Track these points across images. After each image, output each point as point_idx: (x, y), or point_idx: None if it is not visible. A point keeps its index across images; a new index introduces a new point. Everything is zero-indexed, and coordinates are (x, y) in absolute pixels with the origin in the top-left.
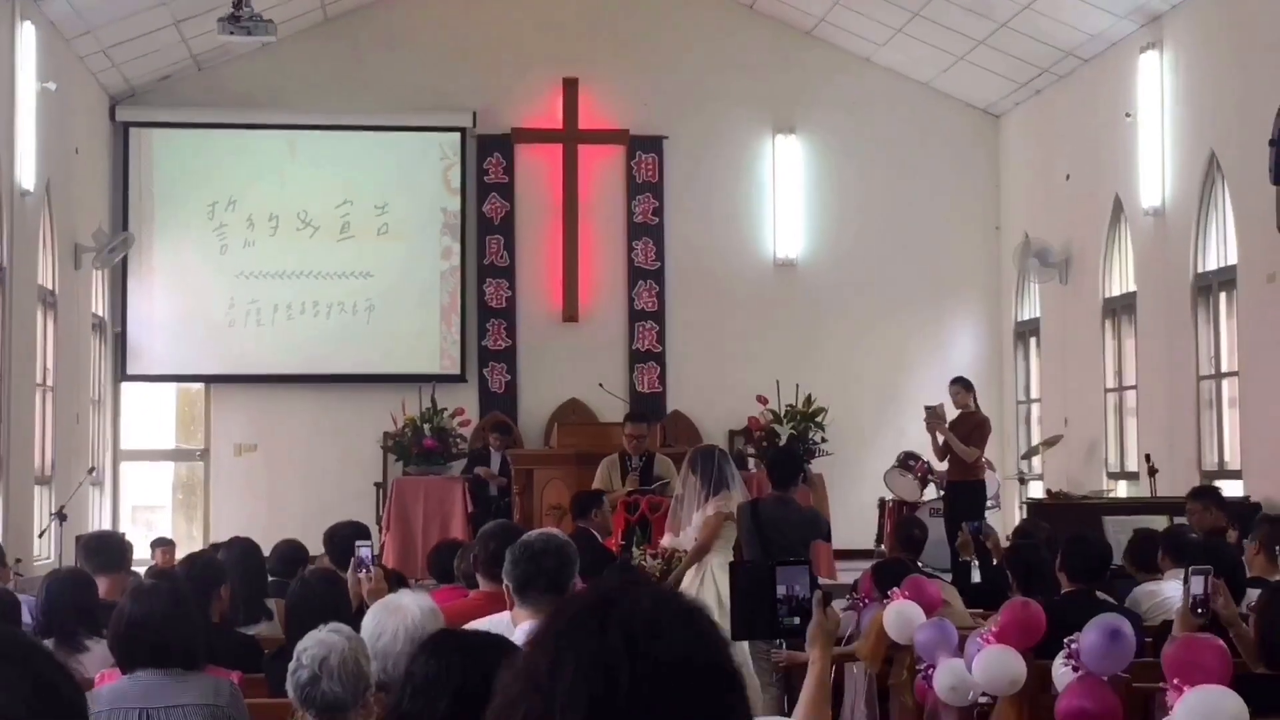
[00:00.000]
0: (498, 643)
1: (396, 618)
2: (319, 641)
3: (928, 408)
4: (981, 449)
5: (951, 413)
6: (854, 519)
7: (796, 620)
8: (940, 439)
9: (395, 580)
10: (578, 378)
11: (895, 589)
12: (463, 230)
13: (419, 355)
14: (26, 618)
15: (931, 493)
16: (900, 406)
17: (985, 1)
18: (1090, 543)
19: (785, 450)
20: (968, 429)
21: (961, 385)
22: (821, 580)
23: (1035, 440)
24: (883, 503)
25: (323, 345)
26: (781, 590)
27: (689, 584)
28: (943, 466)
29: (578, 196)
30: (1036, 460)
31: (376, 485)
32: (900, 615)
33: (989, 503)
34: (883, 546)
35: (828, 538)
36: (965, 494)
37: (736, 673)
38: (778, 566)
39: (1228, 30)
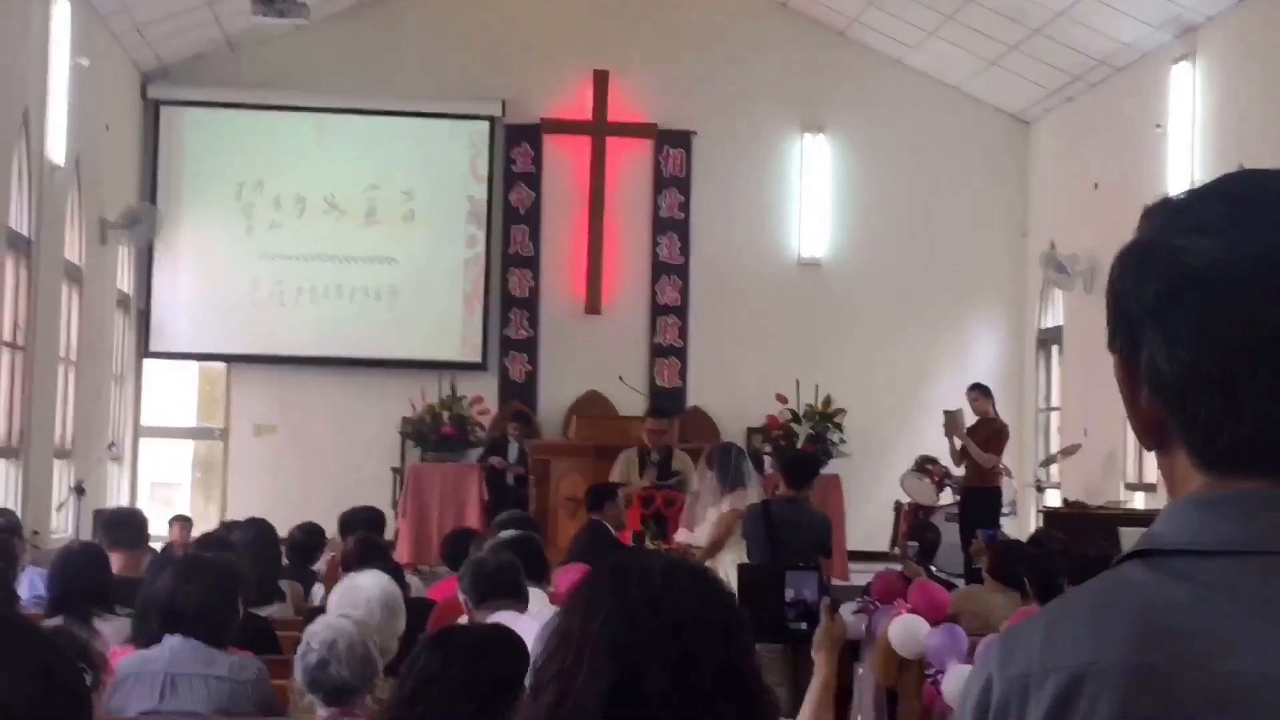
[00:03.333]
0: (505, 637)
1: (356, 598)
2: (328, 625)
3: (946, 412)
4: (999, 456)
5: (970, 419)
6: (869, 521)
7: (804, 625)
8: (958, 444)
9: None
10: (598, 370)
11: (900, 600)
12: (488, 219)
13: (440, 342)
14: (40, 590)
15: (948, 497)
16: (919, 410)
17: (1019, 7)
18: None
19: (802, 451)
20: (986, 435)
21: (980, 391)
22: (834, 581)
23: (1054, 448)
24: (898, 506)
25: (345, 329)
26: (790, 594)
27: None
28: (959, 471)
29: (604, 189)
30: (1055, 469)
31: (394, 470)
32: (906, 631)
33: (1005, 510)
34: (896, 549)
35: (829, 552)
36: (981, 501)
37: (743, 623)
38: (787, 571)
39: (1261, 45)
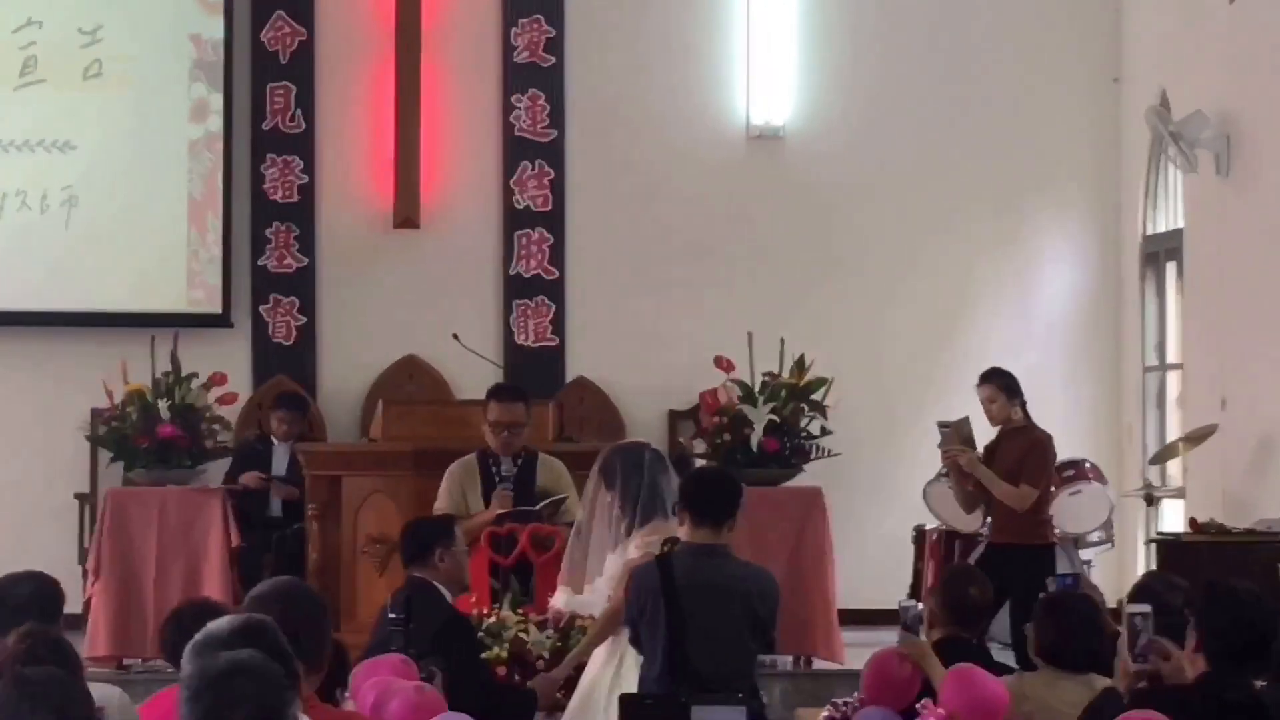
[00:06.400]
0: None
1: None
2: None
3: (945, 425)
4: (1040, 488)
5: (982, 431)
6: (873, 560)
7: None
8: (967, 477)
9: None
10: (417, 323)
11: (927, 700)
12: (226, 74)
13: (151, 282)
14: None
15: None
16: (952, 378)
17: None
18: (1244, 603)
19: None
20: (1016, 456)
21: (998, 385)
22: (820, 664)
23: (1172, 434)
24: (921, 534)
25: None
26: None
27: (598, 673)
28: (969, 524)
29: (419, 17)
30: (1174, 467)
31: (79, 498)
32: None
33: (1097, 537)
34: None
35: (770, 641)
36: (1018, 566)
37: None
38: (694, 705)
39: None
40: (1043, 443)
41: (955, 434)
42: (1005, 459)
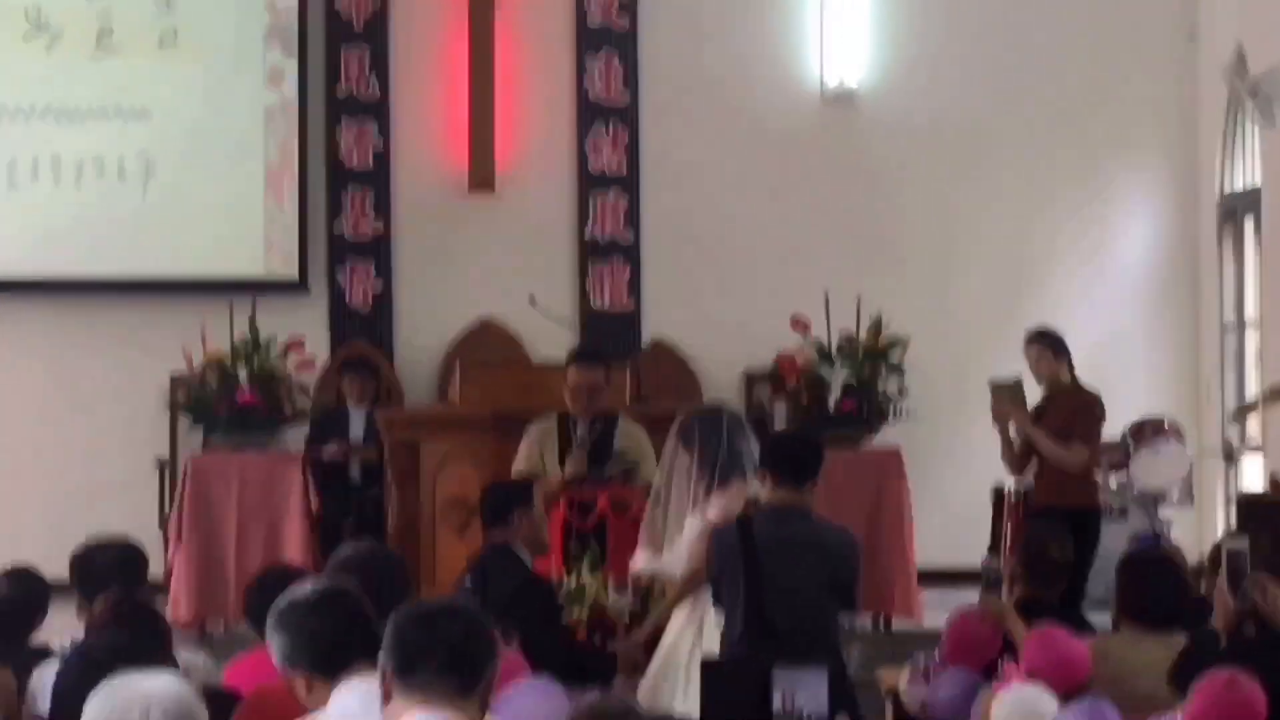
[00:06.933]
0: None
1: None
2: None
3: (996, 384)
4: (1091, 447)
5: (1033, 391)
6: (952, 519)
7: None
8: (1016, 436)
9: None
10: (493, 287)
11: (1007, 656)
12: (301, 40)
13: (228, 249)
14: None
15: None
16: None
17: None
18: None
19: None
20: (1066, 418)
21: (1046, 344)
22: (900, 623)
23: (1252, 389)
24: (1000, 494)
25: (66, 232)
26: (779, 703)
27: (679, 635)
28: (1017, 481)
29: None
30: (1254, 424)
31: (160, 464)
32: (1020, 709)
33: (1176, 496)
34: (998, 565)
35: (853, 600)
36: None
37: None
38: (776, 668)
39: None
40: (1092, 403)
41: (1007, 395)
42: (1054, 420)
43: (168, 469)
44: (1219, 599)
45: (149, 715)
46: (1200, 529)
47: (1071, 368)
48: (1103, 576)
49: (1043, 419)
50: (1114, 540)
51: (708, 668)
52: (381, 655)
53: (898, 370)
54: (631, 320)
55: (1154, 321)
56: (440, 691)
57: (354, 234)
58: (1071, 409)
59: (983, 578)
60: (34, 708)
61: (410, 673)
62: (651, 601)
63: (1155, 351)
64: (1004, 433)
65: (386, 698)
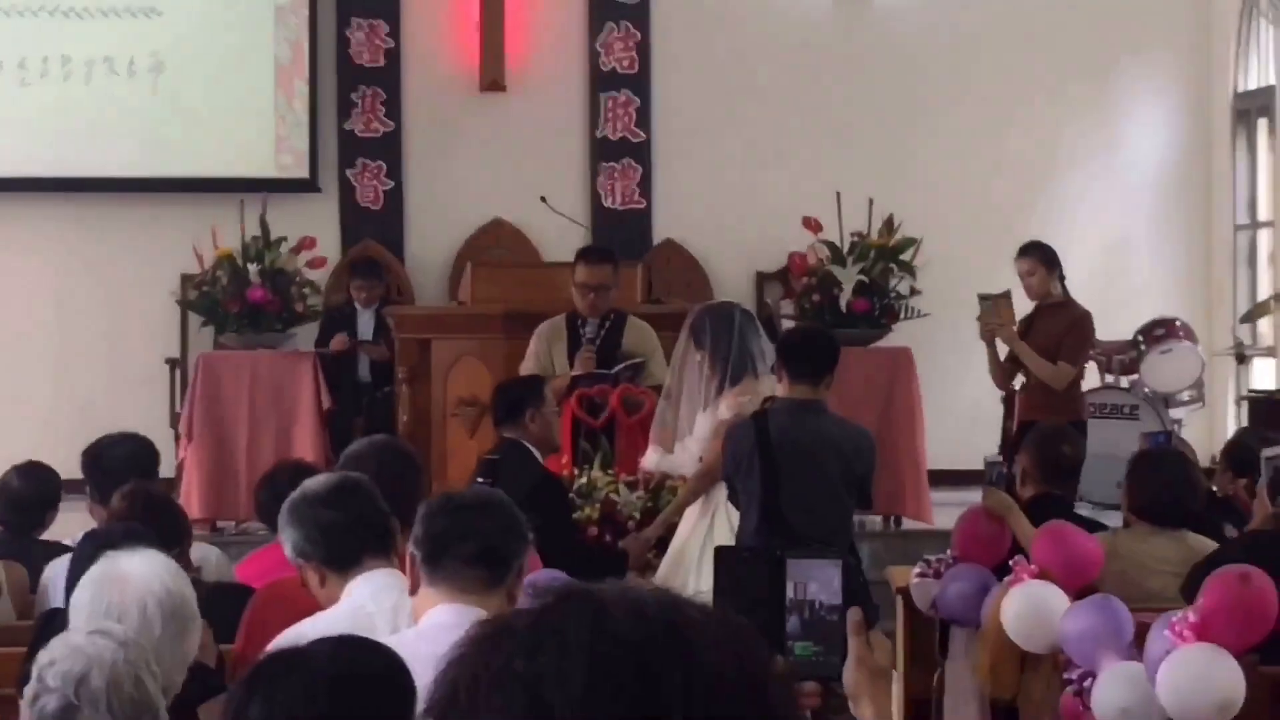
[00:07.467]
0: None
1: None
2: (74, 649)
3: (985, 298)
4: (1078, 365)
5: (1022, 305)
6: (962, 420)
7: (816, 647)
8: (1002, 351)
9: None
10: (504, 186)
11: (1019, 557)
12: None
13: (239, 147)
14: None
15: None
16: (1043, 239)
17: None
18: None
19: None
20: (1055, 333)
21: (1037, 258)
22: (910, 524)
23: (1264, 291)
24: (1010, 394)
25: (75, 131)
26: (793, 594)
27: (690, 532)
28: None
29: None
30: (1265, 325)
31: (170, 363)
32: (1030, 607)
33: (1187, 396)
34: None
35: (868, 497)
36: None
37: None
38: (790, 559)
39: None
40: (1082, 320)
41: (996, 307)
42: (1043, 335)
43: (179, 367)
44: (1259, 505)
45: (146, 611)
46: (1211, 429)
47: (1063, 281)
48: (1110, 477)
49: (1031, 332)
50: (1125, 439)
51: (722, 556)
52: (410, 543)
53: (909, 269)
54: (642, 220)
55: (1166, 222)
56: (468, 583)
57: (365, 132)
58: (1062, 326)
59: (985, 475)
60: (46, 601)
61: (439, 563)
62: (661, 499)
63: (1167, 252)
64: (991, 345)
65: (413, 586)
